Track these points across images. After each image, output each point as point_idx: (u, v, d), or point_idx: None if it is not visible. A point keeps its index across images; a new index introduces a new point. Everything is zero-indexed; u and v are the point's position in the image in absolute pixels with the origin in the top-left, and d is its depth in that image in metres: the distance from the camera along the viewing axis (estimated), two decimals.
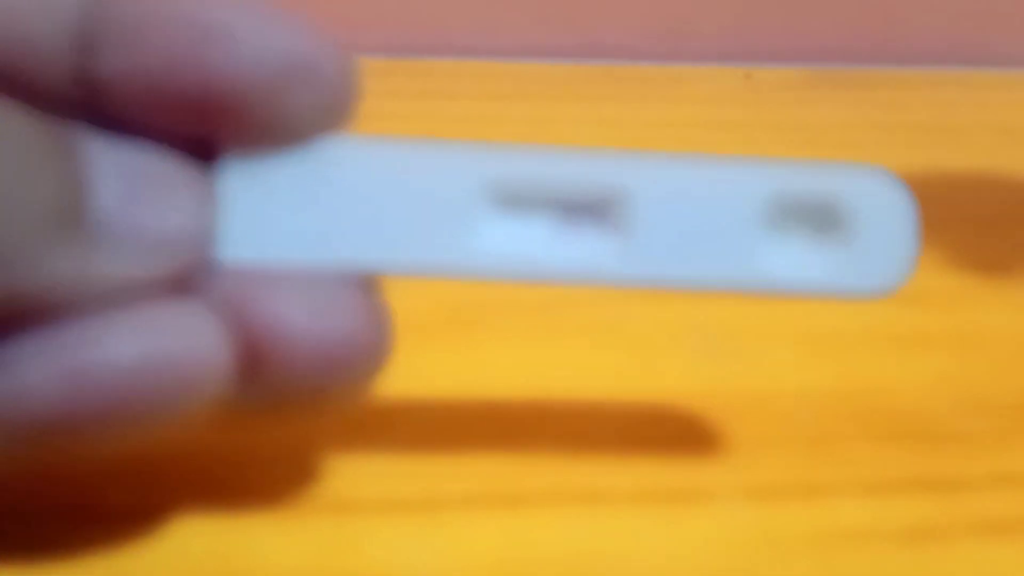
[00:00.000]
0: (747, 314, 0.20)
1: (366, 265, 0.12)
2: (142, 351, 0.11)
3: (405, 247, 0.12)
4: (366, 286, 0.12)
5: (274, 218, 0.12)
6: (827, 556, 0.14)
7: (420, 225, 0.12)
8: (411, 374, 0.18)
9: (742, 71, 0.36)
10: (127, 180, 0.11)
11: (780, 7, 0.39)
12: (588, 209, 0.13)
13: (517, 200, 0.13)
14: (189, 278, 0.12)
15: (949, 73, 0.38)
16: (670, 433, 0.17)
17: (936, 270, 0.23)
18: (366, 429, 0.16)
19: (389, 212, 0.12)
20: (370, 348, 0.12)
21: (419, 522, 0.14)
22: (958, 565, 0.14)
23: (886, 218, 0.12)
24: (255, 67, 0.11)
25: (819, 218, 0.13)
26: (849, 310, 0.21)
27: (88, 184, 0.11)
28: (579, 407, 0.17)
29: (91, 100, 0.11)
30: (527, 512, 0.15)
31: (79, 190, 0.11)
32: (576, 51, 0.38)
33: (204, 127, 0.12)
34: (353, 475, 0.15)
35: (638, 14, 0.39)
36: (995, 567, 0.14)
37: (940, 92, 0.36)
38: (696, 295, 0.21)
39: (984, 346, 0.20)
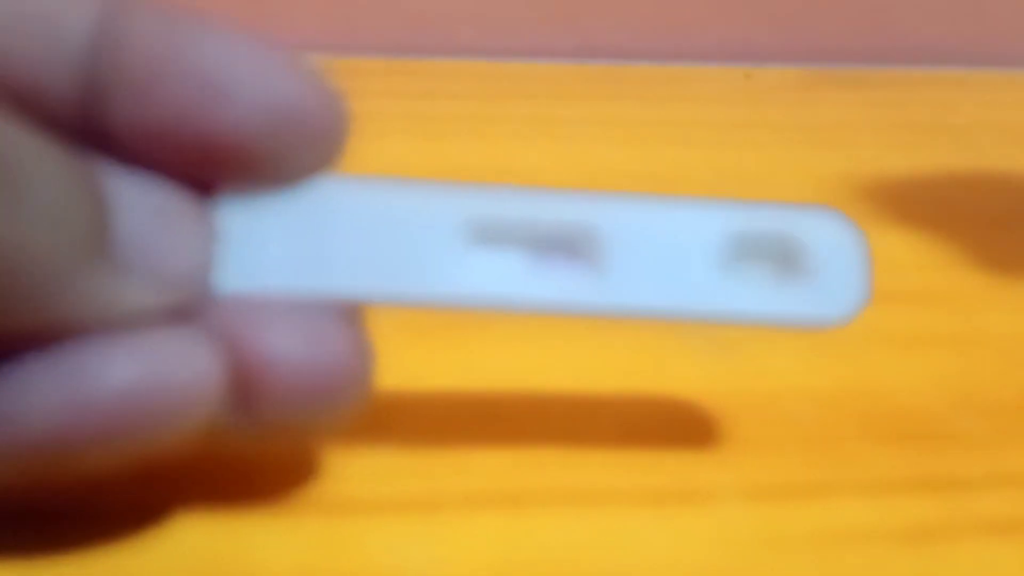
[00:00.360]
0: None
1: (353, 296, 0.13)
2: (139, 376, 0.11)
3: (390, 279, 0.13)
4: (352, 318, 0.13)
5: (267, 252, 0.13)
6: (828, 556, 0.14)
7: (404, 259, 0.13)
8: (411, 372, 0.18)
9: (742, 71, 0.36)
10: (144, 213, 0.12)
11: (780, 7, 0.39)
12: (562, 245, 0.14)
13: (495, 236, 0.13)
14: (187, 308, 0.12)
15: (950, 73, 0.38)
16: (671, 432, 0.17)
17: (937, 270, 0.23)
18: (365, 428, 0.16)
19: (375, 247, 0.13)
20: (356, 377, 0.13)
21: (419, 522, 0.14)
22: (960, 565, 0.14)
23: (840, 255, 0.13)
24: (257, 118, 0.12)
25: (777, 255, 0.14)
26: None
27: (113, 213, 0.11)
28: (580, 406, 0.17)
29: (99, 140, 0.12)
30: (527, 512, 0.15)
31: (106, 218, 0.11)
32: (576, 51, 0.38)
33: (205, 169, 0.12)
34: (352, 474, 0.15)
35: (637, 14, 0.39)
36: (997, 567, 0.14)
37: (941, 92, 0.36)
38: None
39: (986, 346, 0.20)
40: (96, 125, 0.12)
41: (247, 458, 0.15)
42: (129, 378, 0.11)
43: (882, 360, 0.19)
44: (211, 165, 0.12)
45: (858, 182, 0.28)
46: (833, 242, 0.14)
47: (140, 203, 0.12)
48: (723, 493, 0.15)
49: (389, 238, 0.13)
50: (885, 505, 0.15)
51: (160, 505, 0.14)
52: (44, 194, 0.10)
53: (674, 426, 0.17)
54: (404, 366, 0.18)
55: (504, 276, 0.13)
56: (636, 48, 0.38)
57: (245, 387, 0.12)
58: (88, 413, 0.11)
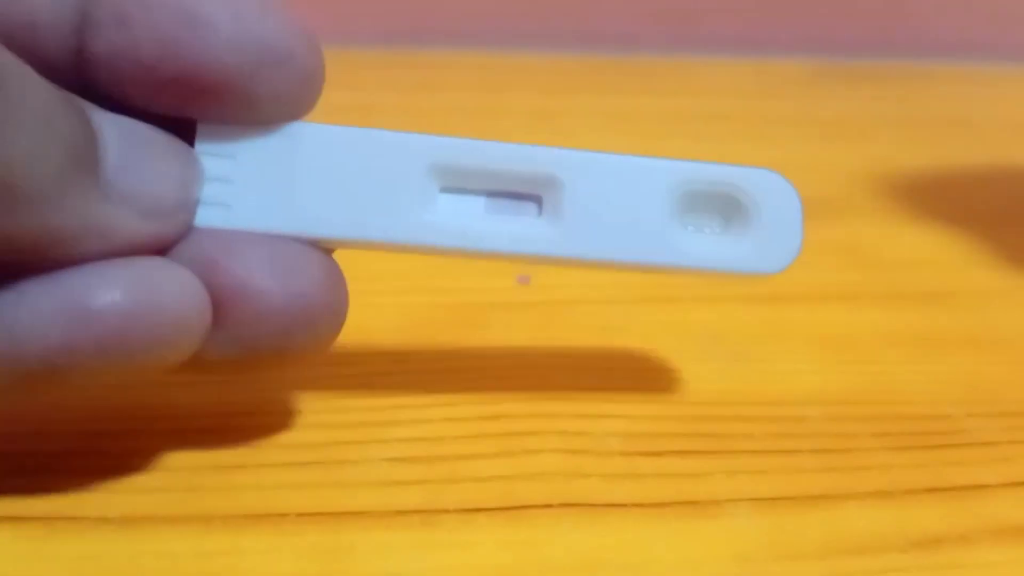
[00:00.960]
0: (758, 317, 0.20)
1: (322, 235, 0.14)
2: (134, 292, 0.12)
3: (358, 220, 0.14)
4: (323, 250, 0.14)
5: (242, 189, 0.14)
6: (840, 565, 0.14)
7: (373, 202, 0.14)
8: (410, 376, 0.17)
9: (752, 64, 0.36)
10: (128, 144, 0.13)
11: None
12: (522, 195, 0.15)
13: (459, 183, 0.14)
14: (171, 237, 0.13)
15: (964, 67, 0.37)
16: (677, 439, 0.16)
17: (951, 269, 0.23)
18: (364, 436, 0.16)
19: (346, 189, 0.14)
20: (327, 307, 0.14)
21: (417, 531, 0.14)
22: (974, 572, 0.14)
23: (778, 211, 0.15)
24: (233, 53, 0.13)
25: (722, 209, 0.15)
26: (861, 313, 0.21)
27: (99, 138, 0.12)
28: (584, 413, 0.17)
29: (88, 81, 0.13)
30: (528, 520, 0.14)
31: (93, 140, 0.12)
32: (580, 39, 0.37)
33: (185, 105, 0.13)
34: (349, 484, 0.15)
35: (644, 1, 0.38)
36: (1013, 574, 0.14)
37: (956, 87, 0.36)
38: (703, 297, 0.20)
39: (1001, 348, 0.20)
40: (87, 65, 0.13)
41: (246, 467, 0.15)
42: (124, 294, 0.12)
43: (895, 364, 0.19)
44: (191, 100, 0.13)
45: (871, 178, 0.27)
46: (773, 198, 0.15)
47: (125, 135, 0.13)
48: (732, 501, 0.15)
49: (359, 181, 0.14)
50: (899, 512, 0.15)
51: (155, 513, 0.14)
52: (35, 106, 0.11)
53: (682, 431, 0.17)
54: (403, 369, 0.18)
55: (466, 221, 0.14)
56: (642, 37, 0.38)
57: (218, 314, 0.13)
58: (85, 326, 0.12)
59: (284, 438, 0.16)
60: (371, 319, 0.19)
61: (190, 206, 0.13)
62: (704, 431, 0.16)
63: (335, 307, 0.14)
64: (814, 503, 0.15)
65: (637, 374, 0.18)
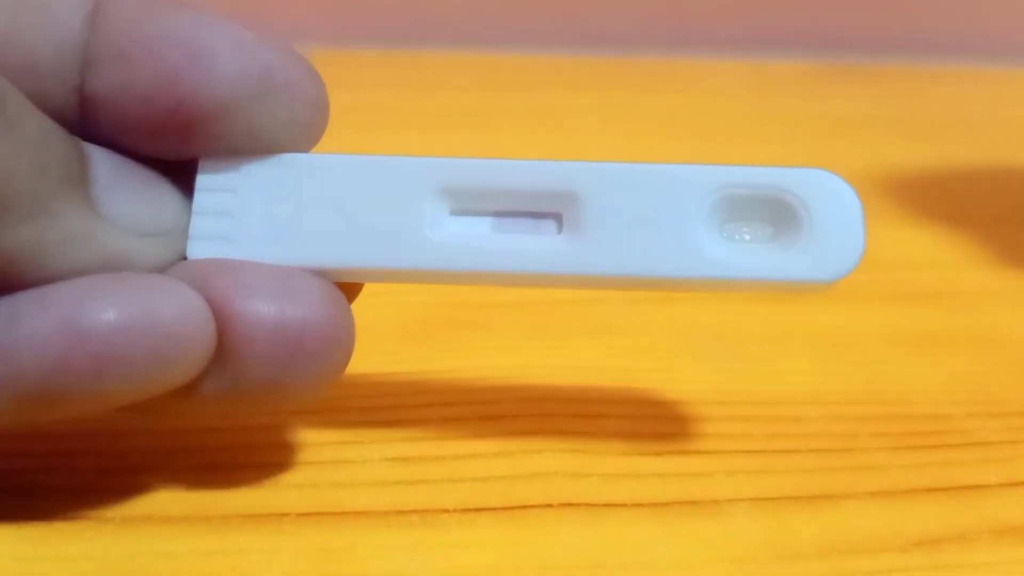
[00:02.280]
0: (758, 316, 0.20)
1: (328, 267, 0.13)
2: (131, 309, 0.11)
3: (367, 249, 0.13)
4: (327, 279, 0.13)
5: (244, 222, 0.13)
6: (839, 565, 0.14)
7: (381, 228, 0.13)
8: (411, 379, 0.17)
9: (752, 64, 0.36)
10: (117, 170, 0.13)
11: None
12: (540, 213, 0.13)
13: (470, 205, 0.13)
14: (163, 266, 0.13)
15: (962, 68, 0.37)
16: (677, 439, 0.16)
17: (951, 269, 0.23)
18: (363, 436, 0.16)
19: (351, 218, 0.13)
20: (329, 338, 0.13)
21: (417, 531, 0.14)
22: (974, 572, 0.14)
23: (834, 213, 0.13)
24: (234, 82, 0.12)
25: (769, 216, 0.13)
26: (861, 312, 0.21)
27: (89, 161, 0.12)
28: (584, 413, 0.17)
29: (89, 123, 0.13)
30: (528, 521, 0.14)
31: (84, 161, 0.12)
32: (580, 39, 0.37)
33: (185, 141, 0.13)
34: (349, 483, 0.15)
35: (645, 2, 0.38)
36: (1013, 574, 0.14)
37: (956, 87, 0.36)
38: (703, 297, 0.20)
39: (1001, 347, 0.20)
40: (88, 105, 0.13)
41: (245, 467, 0.15)
42: (121, 310, 0.11)
43: (895, 364, 0.19)
44: (191, 132, 0.13)
45: (871, 178, 0.27)
46: (828, 200, 0.13)
47: (115, 163, 0.13)
48: (732, 501, 0.15)
49: (366, 209, 0.13)
50: (899, 512, 0.15)
51: (155, 513, 0.14)
52: (31, 125, 0.11)
53: (681, 431, 0.16)
54: (404, 370, 0.18)
55: (480, 244, 0.13)
56: (642, 37, 0.38)
57: (221, 345, 0.12)
58: (81, 345, 0.11)
59: (283, 438, 0.16)
60: (371, 319, 0.19)
61: (180, 236, 0.13)
62: (704, 431, 0.16)
63: (338, 339, 0.13)
64: (814, 503, 0.15)
65: (637, 374, 0.18)
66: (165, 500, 0.14)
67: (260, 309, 0.12)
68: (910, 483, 0.15)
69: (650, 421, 0.17)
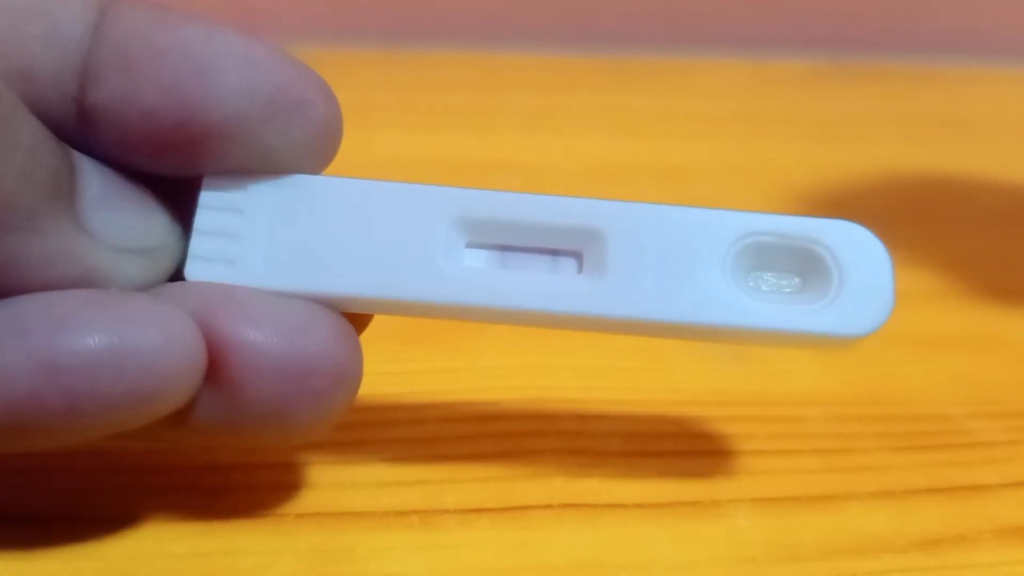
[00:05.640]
0: None
1: (335, 297, 0.13)
2: (109, 341, 0.11)
3: (376, 279, 0.13)
4: (336, 310, 0.13)
5: (249, 244, 0.13)
6: (840, 564, 0.14)
7: (392, 258, 0.13)
8: (411, 379, 0.17)
9: (752, 64, 0.36)
10: (106, 185, 0.12)
11: None
12: (561, 251, 0.13)
13: (487, 241, 0.13)
14: (156, 287, 0.12)
15: (962, 68, 0.37)
16: (678, 439, 0.16)
17: (952, 269, 0.23)
18: (363, 436, 0.16)
19: (361, 247, 0.13)
20: (334, 373, 0.12)
21: (417, 531, 0.14)
22: (974, 572, 0.14)
23: (864, 265, 0.13)
24: (242, 98, 0.12)
25: (796, 267, 0.13)
26: None
27: (78, 173, 0.12)
28: (584, 413, 0.17)
29: (88, 134, 0.12)
30: (528, 522, 0.14)
31: (72, 173, 0.12)
32: (580, 39, 0.37)
33: (189, 159, 0.12)
34: (349, 484, 0.15)
35: (645, 2, 0.38)
36: (1013, 574, 0.14)
37: (953, 87, 0.36)
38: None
39: (1000, 347, 0.20)
40: (87, 116, 0.12)
41: (244, 467, 0.15)
42: (97, 342, 0.11)
43: (896, 364, 0.19)
44: (196, 149, 0.12)
45: (870, 177, 0.27)
46: (857, 253, 0.13)
47: (105, 177, 0.12)
48: (732, 501, 0.15)
49: (378, 238, 0.13)
50: (899, 512, 0.15)
51: (154, 514, 0.14)
52: (24, 131, 0.11)
53: (682, 432, 0.16)
54: (404, 372, 0.18)
55: (496, 280, 0.13)
56: (642, 37, 0.38)
57: (218, 375, 0.12)
58: (53, 379, 0.10)
59: None
60: (371, 319, 0.19)
61: (173, 257, 0.13)
62: (704, 431, 0.16)
63: (345, 374, 0.12)
64: (814, 503, 0.15)
65: (637, 374, 0.18)
66: (164, 500, 0.14)
67: (267, 340, 0.12)
68: (911, 483, 0.15)
69: (650, 421, 0.17)
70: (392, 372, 0.18)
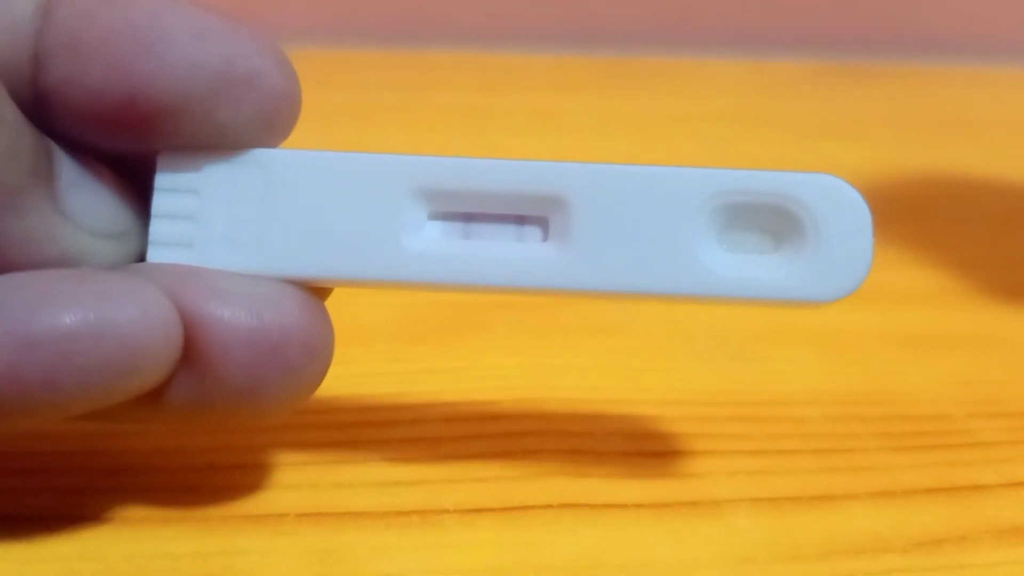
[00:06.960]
0: (758, 316, 0.20)
1: (299, 274, 0.12)
2: (84, 318, 0.11)
3: (338, 255, 0.12)
4: (305, 287, 0.13)
5: (208, 226, 0.12)
6: (840, 564, 0.14)
7: (353, 232, 0.12)
8: (411, 379, 0.17)
9: (752, 64, 0.36)
10: (77, 172, 0.12)
11: None
12: (525, 217, 0.13)
13: (449, 209, 0.13)
14: (128, 270, 0.12)
15: (962, 68, 0.37)
16: (678, 439, 0.16)
17: (951, 270, 0.23)
18: (363, 436, 0.16)
19: (322, 221, 0.12)
20: (304, 347, 0.12)
21: (417, 531, 0.14)
22: (974, 573, 0.14)
23: (841, 223, 0.12)
24: (191, 72, 0.12)
25: (770, 224, 0.12)
26: (862, 312, 0.21)
27: (54, 157, 0.12)
28: (583, 412, 0.17)
29: (44, 118, 0.12)
30: (528, 522, 0.14)
31: (50, 155, 0.12)
32: (580, 39, 0.37)
33: (141, 136, 0.12)
34: (349, 484, 0.15)
35: (645, 2, 0.38)
36: (1013, 574, 0.14)
37: (953, 87, 0.36)
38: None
39: (1000, 347, 0.20)
40: (40, 99, 0.12)
41: (244, 467, 0.15)
42: (74, 317, 0.11)
43: (896, 364, 0.19)
44: (147, 127, 0.12)
45: (871, 177, 0.27)
46: (835, 210, 0.12)
47: (73, 163, 0.12)
48: (732, 501, 0.15)
49: (337, 212, 0.12)
50: (899, 512, 0.15)
51: (154, 514, 0.14)
52: (7, 111, 0.11)
53: (681, 431, 0.16)
54: (403, 371, 0.18)
55: (459, 251, 0.12)
56: (642, 37, 0.38)
57: (190, 351, 0.12)
58: (31, 353, 0.11)
59: (283, 438, 0.16)
60: (371, 319, 0.19)
61: (136, 239, 0.13)
62: (704, 431, 0.16)
63: (318, 349, 0.12)
64: (814, 503, 0.15)
65: (637, 374, 0.18)
66: (164, 501, 0.14)
67: (236, 315, 0.12)
68: (911, 483, 0.15)
69: (650, 421, 0.17)
70: (392, 372, 0.18)
